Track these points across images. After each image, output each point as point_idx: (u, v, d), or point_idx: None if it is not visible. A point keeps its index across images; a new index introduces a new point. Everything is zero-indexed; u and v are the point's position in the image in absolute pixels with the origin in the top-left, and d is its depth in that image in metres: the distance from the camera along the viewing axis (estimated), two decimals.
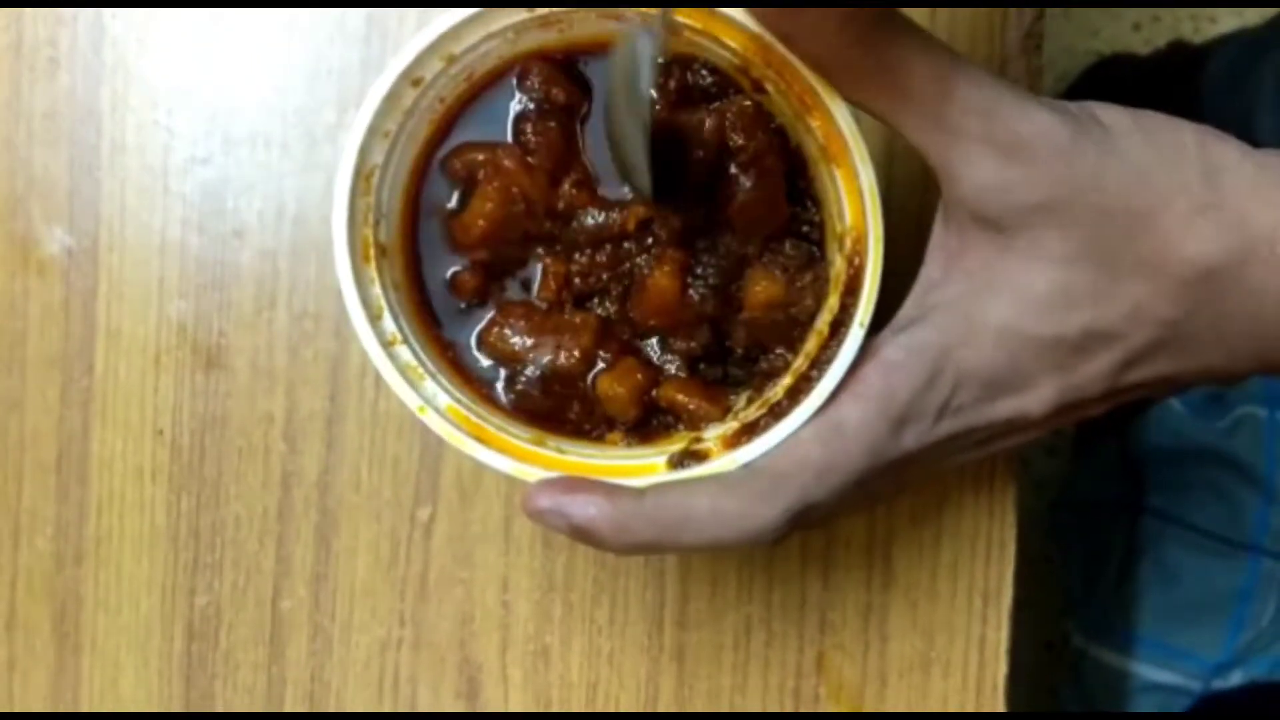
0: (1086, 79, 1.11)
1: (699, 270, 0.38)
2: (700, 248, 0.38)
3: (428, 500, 0.48)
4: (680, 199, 0.38)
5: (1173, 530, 0.74)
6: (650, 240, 0.38)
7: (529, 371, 0.39)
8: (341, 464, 0.48)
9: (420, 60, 0.36)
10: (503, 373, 0.39)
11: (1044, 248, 0.35)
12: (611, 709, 0.48)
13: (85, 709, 0.49)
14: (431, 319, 0.39)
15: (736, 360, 0.39)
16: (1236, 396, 0.74)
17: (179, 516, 0.49)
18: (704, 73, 0.38)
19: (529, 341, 0.39)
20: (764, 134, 0.38)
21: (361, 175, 0.37)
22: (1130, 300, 0.35)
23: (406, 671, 0.49)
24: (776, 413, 0.36)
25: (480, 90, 0.39)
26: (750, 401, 0.39)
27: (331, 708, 0.49)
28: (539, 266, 0.39)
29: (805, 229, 0.39)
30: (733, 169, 0.38)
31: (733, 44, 0.36)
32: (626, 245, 0.38)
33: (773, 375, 0.38)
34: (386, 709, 0.49)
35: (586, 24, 0.38)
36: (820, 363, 0.37)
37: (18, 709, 0.49)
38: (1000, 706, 0.48)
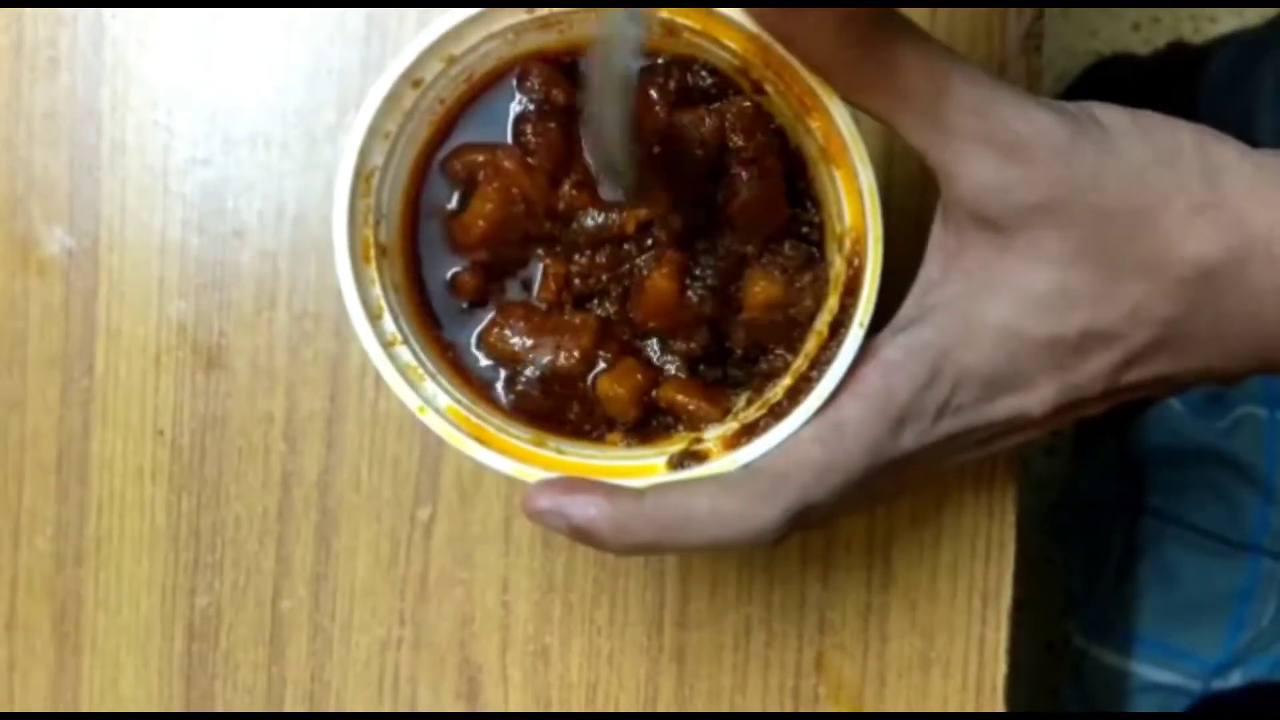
0: (1086, 79, 1.11)
1: (698, 271, 0.38)
2: (700, 249, 0.38)
3: (428, 500, 0.48)
4: (678, 199, 0.38)
5: (1173, 530, 0.74)
6: (650, 241, 0.38)
7: (529, 372, 0.39)
8: (341, 464, 0.48)
9: (420, 61, 0.36)
10: (503, 373, 0.39)
11: (1043, 248, 0.35)
12: (611, 709, 0.48)
13: (85, 709, 0.49)
14: (431, 319, 0.39)
15: (736, 361, 0.39)
16: (1236, 396, 0.74)
17: (179, 516, 0.49)
18: (704, 74, 0.38)
19: (529, 342, 0.39)
20: (764, 135, 0.38)
21: (361, 176, 0.37)
22: (1129, 300, 0.35)
23: (406, 671, 0.49)
24: (776, 413, 0.36)
25: (480, 91, 0.39)
26: (750, 402, 0.39)
27: (331, 708, 0.49)
28: (539, 267, 0.39)
29: (805, 230, 0.39)
30: (732, 169, 0.38)
31: (732, 45, 0.36)
32: (626, 246, 0.38)
33: (772, 376, 0.38)
34: (386, 709, 0.49)
35: (586, 25, 0.37)
36: (820, 363, 0.37)
37: (18, 709, 0.49)
38: (1000, 706, 0.48)
